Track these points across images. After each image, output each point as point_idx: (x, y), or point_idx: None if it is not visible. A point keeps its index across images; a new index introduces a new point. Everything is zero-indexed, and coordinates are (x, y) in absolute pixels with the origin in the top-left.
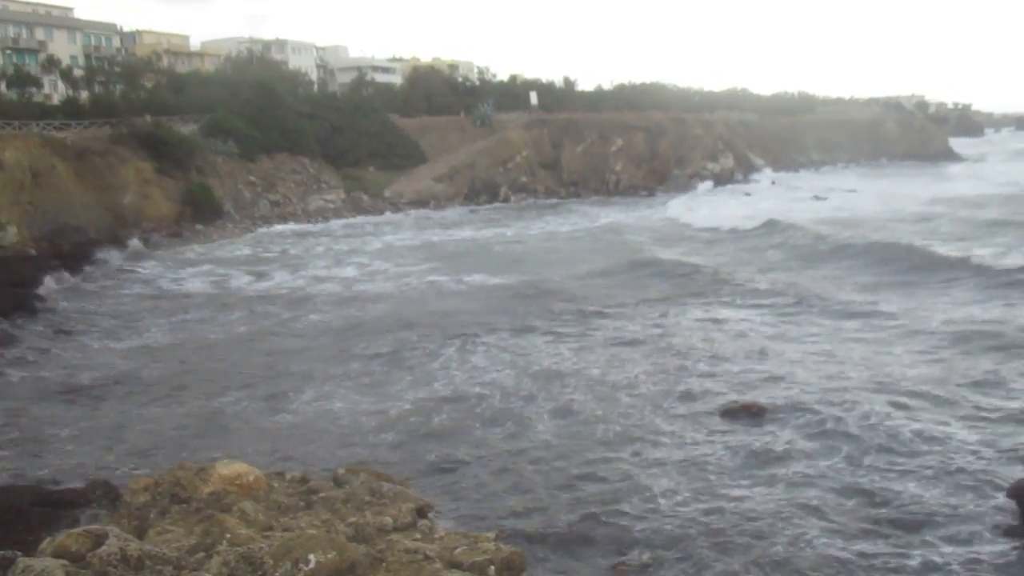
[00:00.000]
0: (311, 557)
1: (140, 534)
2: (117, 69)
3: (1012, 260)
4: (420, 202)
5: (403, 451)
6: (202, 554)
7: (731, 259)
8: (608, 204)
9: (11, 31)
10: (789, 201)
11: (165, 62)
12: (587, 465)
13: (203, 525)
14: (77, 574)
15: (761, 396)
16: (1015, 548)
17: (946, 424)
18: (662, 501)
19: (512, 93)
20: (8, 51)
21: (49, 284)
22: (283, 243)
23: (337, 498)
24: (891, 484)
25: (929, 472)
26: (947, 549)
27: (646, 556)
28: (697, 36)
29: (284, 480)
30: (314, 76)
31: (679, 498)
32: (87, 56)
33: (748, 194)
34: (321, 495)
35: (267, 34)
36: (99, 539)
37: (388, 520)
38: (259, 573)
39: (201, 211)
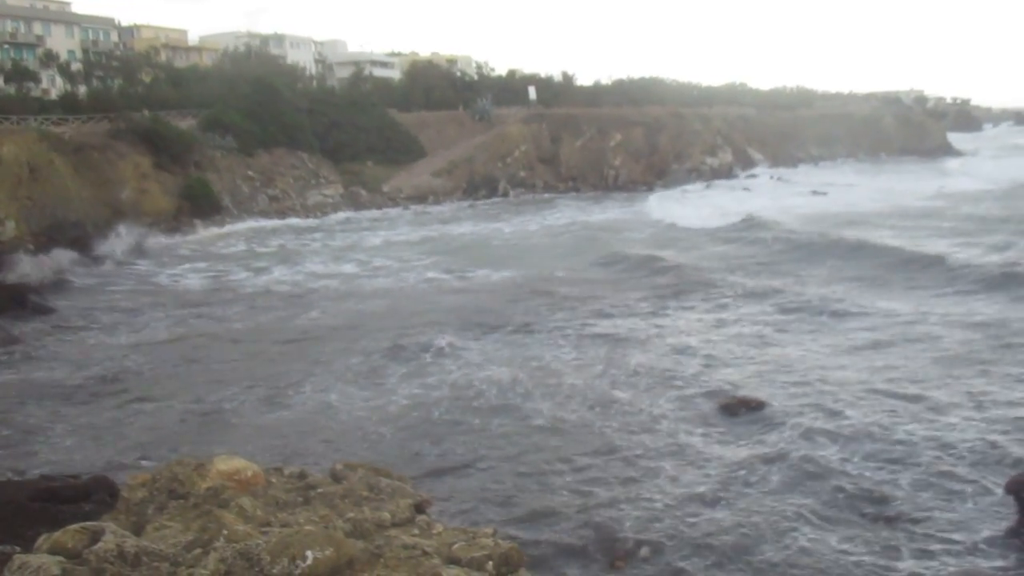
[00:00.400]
0: (308, 553)
1: (137, 530)
2: (115, 64)
3: (990, 258)
4: (419, 197)
5: (401, 446)
6: (199, 550)
7: (719, 257)
8: (606, 199)
9: (9, 26)
10: (788, 196)
11: (163, 57)
12: (585, 460)
13: (200, 521)
14: (74, 571)
15: (759, 392)
16: (1013, 543)
17: (942, 421)
18: (660, 496)
19: (511, 88)
20: (6, 46)
21: (46, 279)
22: (281, 238)
23: (335, 494)
24: (888, 480)
25: (925, 468)
26: (945, 545)
27: (644, 551)
28: (696, 31)
29: (282, 475)
30: (312, 71)
31: (677, 493)
32: (85, 51)
33: (747, 189)
34: (319, 491)
35: (265, 29)
36: (96, 535)
37: (386, 516)
38: (256, 569)
39: (199, 206)
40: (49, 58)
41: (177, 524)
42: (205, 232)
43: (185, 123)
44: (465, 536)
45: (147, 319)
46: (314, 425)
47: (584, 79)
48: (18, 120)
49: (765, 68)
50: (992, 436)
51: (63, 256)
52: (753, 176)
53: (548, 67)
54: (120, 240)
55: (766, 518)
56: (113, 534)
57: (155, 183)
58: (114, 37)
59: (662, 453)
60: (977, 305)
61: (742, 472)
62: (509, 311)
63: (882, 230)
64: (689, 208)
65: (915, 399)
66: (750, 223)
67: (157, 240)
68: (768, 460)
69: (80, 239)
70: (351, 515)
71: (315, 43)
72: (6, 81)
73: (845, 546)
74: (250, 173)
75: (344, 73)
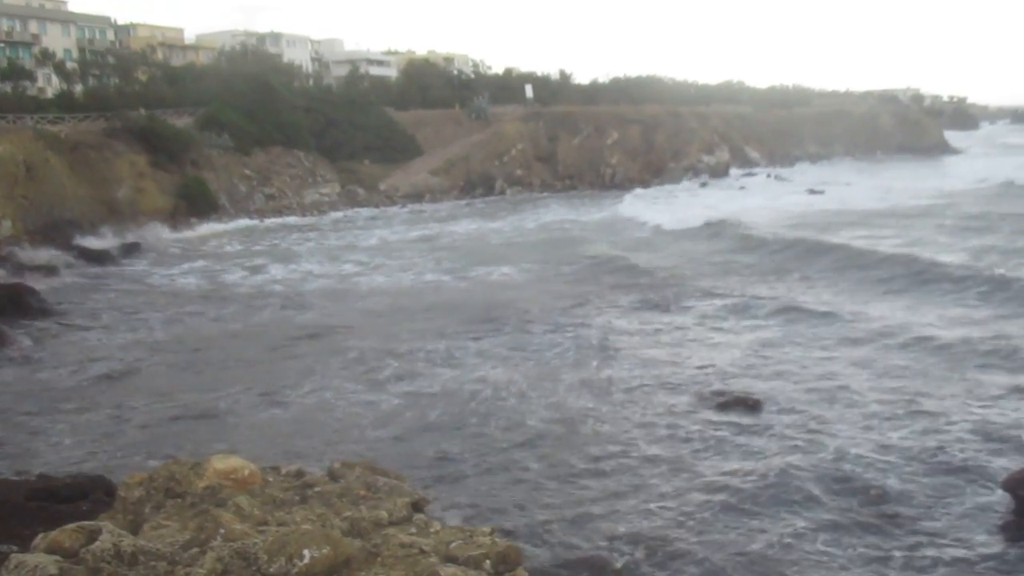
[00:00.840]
0: (305, 552)
1: (134, 529)
2: (111, 62)
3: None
4: (416, 195)
5: (399, 445)
6: (196, 549)
7: (700, 261)
8: (602, 198)
9: (4, 24)
10: (784, 195)
11: (160, 55)
12: (581, 459)
13: (198, 520)
14: (71, 570)
15: (754, 390)
16: (1010, 540)
17: (938, 419)
18: (657, 495)
19: (508, 86)
20: (2, 44)
21: (43, 279)
22: (278, 237)
23: (332, 492)
24: (884, 477)
25: (922, 465)
26: (942, 541)
27: (641, 550)
28: (693, 29)
29: (279, 474)
30: (309, 69)
31: (675, 490)
32: (81, 49)
33: (743, 188)
34: (316, 489)
35: (262, 27)
36: (93, 535)
37: (383, 514)
38: (253, 568)
39: (196, 205)
40: (45, 57)
41: (174, 523)
42: (202, 231)
43: (182, 122)
44: (463, 535)
45: (144, 318)
46: (311, 424)
47: (581, 77)
48: (14, 119)
49: (762, 66)
50: (988, 436)
51: (59, 255)
52: (750, 175)
53: (545, 65)
54: (117, 239)
55: (765, 517)
56: (110, 533)
57: (152, 182)
58: (110, 35)
59: (658, 453)
60: (966, 308)
61: (740, 468)
62: (507, 311)
63: (884, 230)
64: (679, 209)
65: (912, 395)
66: (725, 226)
67: (154, 239)
68: (766, 455)
69: (76, 238)
70: (348, 514)
71: (312, 42)
72: (2, 80)
73: (843, 542)
74: (247, 172)
75: (341, 72)
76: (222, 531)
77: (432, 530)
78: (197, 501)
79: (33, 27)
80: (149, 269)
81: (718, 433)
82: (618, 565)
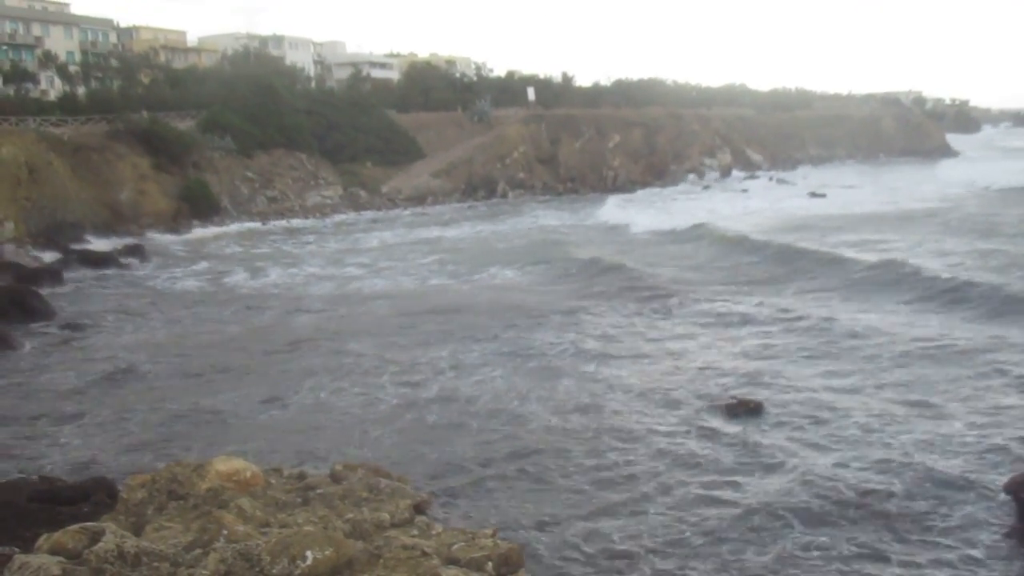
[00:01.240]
0: (308, 553)
1: (137, 531)
2: (114, 64)
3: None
4: (418, 198)
5: (400, 447)
6: (199, 551)
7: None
8: (602, 201)
9: (7, 27)
10: (788, 198)
11: (162, 58)
12: (583, 461)
13: (200, 522)
14: (74, 571)
15: (757, 394)
16: (1013, 542)
17: (938, 420)
18: (660, 497)
19: (510, 89)
20: (4, 47)
21: (44, 282)
22: (280, 239)
23: (334, 494)
24: (887, 481)
25: (924, 470)
26: (945, 544)
27: (641, 551)
28: (695, 32)
29: (281, 476)
30: (311, 72)
31: (677, 494)
32: (84, 52)
33: (745, 191)
34: (318, 491)
35: (264, 30)
36: (96, 536)
37: (385, 516)
38: (256, 570)
39: (198, 207)
40: (48, 59)
41: (177, 525)
42: (204, 233)
43: (184, 124)
44: (465, 537)
45: (146, 320)
46: (313, 426)
47: (583, 80)
48: (17, 121)
49: (764, 69)
50: (990, 440)
51: (62, 257)
52: (753, 177)
53: (547, 68)
54: (119, 241)
55: (764, 517)
56: (113, 534)
57: (154, 184)
58: (113, 38)
59: (659, 455)
60: (959, 314)
61: (741, 471)
62: (505, 312)
63: (880, 234)
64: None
65: (911, 397)
66: (724, 230)
67: (156, 241)
68: (768, 459)
69: (79, 240)
70: (350, 516)
71: (314, 44)
72: (5, 82)
73: (844, 545)
74: (249, 174)
75: (343, 74)
76: (225, 532)
77: (434, 532)
78: (199, 503)
79: (36, 29)
80: (151, 271)
81: (720, 438)
82: (620, 565)
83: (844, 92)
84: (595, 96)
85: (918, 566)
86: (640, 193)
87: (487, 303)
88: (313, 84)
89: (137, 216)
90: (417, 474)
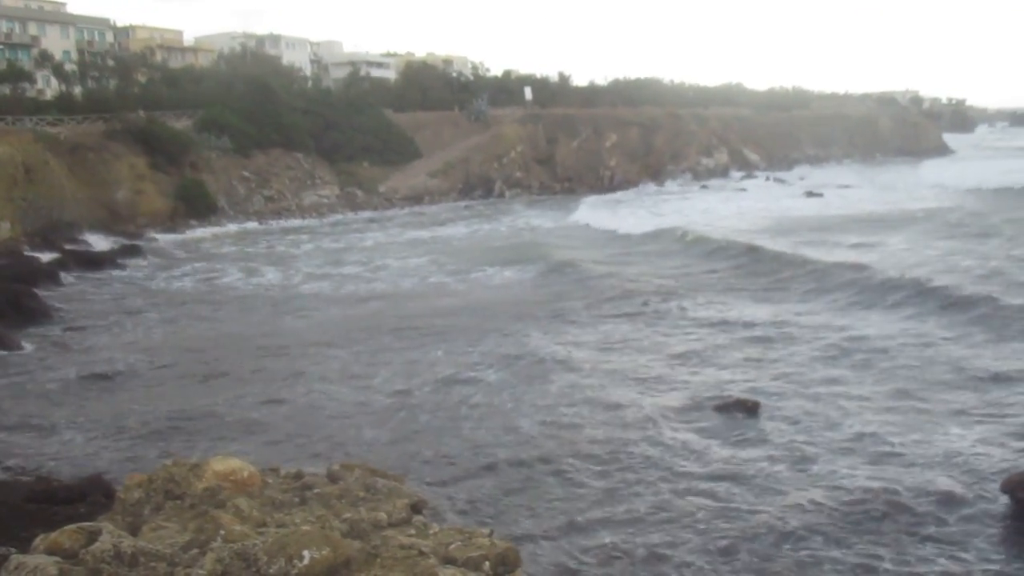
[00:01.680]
0: (305, 553)
1: (134, 531)
2: (110, 64)
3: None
4: (414, 197)
5: (397, 447)
6: (196, 551)
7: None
8: (601, 202)
9: (4, 26)
10: (784, 198)
11: (159, 57)
12: (578, 461)
13: (197, 522)
14: (71, 571)
15: (752, 393)
16: (1009, 542)
17: (936, 421)
18: (655, 497)
19: (507, 88)
20: (1, 46)
21: (41, 282)
22: (277, 239)
23: (331, 494)
24: (882, 480)
25: (920, 470)
26: (942, 545)
27: (640, 551)
28: (692, 31)
29: (279, 476)
30: (308, 71)
31: (673, 493)
32: (80, 51)
33: (742, 190)
34: (316, 491)
35: (261, 29)
36: (92, 536)
37: (382, 516)
38: (253, 570)
39: (195, 207)
40: (44, 59)
41: (174, 524)
42: (201, 233)
43: (181, 124)
44: (462, 536)
45: (142, 320)
46: (310, 426)
47: (580, 79)
48: (13, 121)
49: (761, 69)
50: (987, 442)
51: (58, 257)
52: (750, 177)
53: (544, 67)
54: (116, 241)
55: (762, 518)
56: (110, 535)
57: (151, 184)
58: (109, 38)
59: (655, 455)
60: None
61: (739, 471)
62: (502, 312)
63: (876, 236)
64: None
65: (909, 397)
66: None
67: (153, 241)
68: (764, 458)
69: (75, 240)
70: (348, 515)
71: (311, 44)
72: (1, 82)
73: (840, 546)
74: (246, 174)
75: (340, 74)
76: (222, 532)
77: (431, 532)
78: (196, 503)
79: (32, 29)
80: (148, 271)
81: (715, 436)
82: (620, 566)
83: (841, 92)
84: (592, 96)
85: (915, 565)
86: (632, 192)
87: (481, 303)
88: (310, 84)
89: (134, 216)
90: (413, 474)
